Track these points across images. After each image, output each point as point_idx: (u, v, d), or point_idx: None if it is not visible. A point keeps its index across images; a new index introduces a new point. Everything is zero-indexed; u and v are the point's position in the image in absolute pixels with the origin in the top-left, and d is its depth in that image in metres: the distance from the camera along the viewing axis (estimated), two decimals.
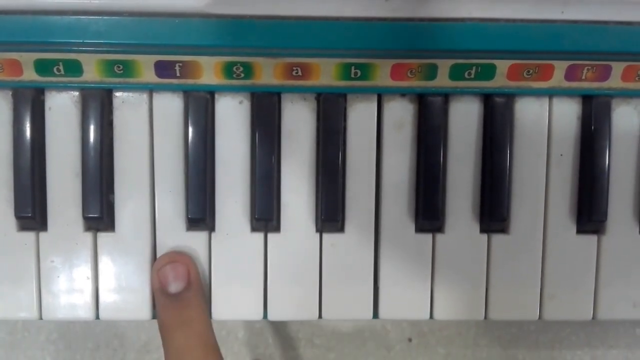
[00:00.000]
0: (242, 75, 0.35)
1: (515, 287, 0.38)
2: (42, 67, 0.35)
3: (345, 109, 0.37)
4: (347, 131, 0.37)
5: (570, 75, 0.36)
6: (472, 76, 0.36)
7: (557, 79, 0.36)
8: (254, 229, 0.37)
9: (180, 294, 0.35)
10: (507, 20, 0.35)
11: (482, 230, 0.38)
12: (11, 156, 0.36)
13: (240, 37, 0.34)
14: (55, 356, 0.46)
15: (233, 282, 0.37)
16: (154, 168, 0.37)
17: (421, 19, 0.34)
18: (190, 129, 0.36)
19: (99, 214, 0.36)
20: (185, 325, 0.34)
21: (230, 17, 0.34)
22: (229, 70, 0.35)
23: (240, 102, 0.37)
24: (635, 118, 0.38)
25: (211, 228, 0.37)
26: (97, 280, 0.37)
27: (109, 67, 0.35)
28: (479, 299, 0.38)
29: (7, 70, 0.35)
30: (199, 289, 0.35)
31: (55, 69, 0.35)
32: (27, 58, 0.35)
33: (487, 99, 0.37)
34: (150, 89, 0.36)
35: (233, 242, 0.37)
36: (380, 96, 0.37)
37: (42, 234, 0.37)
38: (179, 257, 0.36)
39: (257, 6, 0.34)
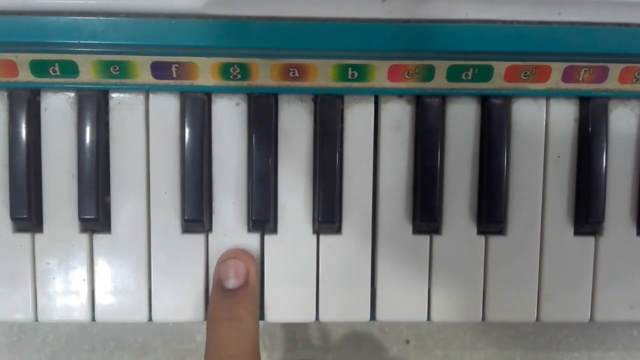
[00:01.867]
0: (239, 76, 0.35)
1: (513, 288, 0.38)
2: (38, 67, 0.35)
3: (342, 110, 0.37)
4: (344, 132, 0.37)
5: (567, 76, 0.36)
6: (470, 77, 0.36)
7: (554, 80, 0.36)
8: (250, 230, 0.37)
9: (235, 291, 0.35)
10: (504, 22, 0.35)
11: (480, 232, 0.38)
12: (7, 157, 0.36)
13: (237, 38, 0.34)
14: (51, 358, 0.46)
15: None
16: (150, 169, 0.37)
17: (418, 20, 0.34)
18: (187, 130, 0.36)
19: (95, 216, 0.36)
20: (233, 321, 0.34)
21: (227, 18, 0.34)
22: (225, 71, 0.35)
23: (237, 104, 0.37)
24: (632, 119, 0.38)
25: (208, 230, 0.37)
26: (93, 282, 0.37)
27: (105, 68, 0.35)
28: (476, 300, 0.38)
29: (3, 71, 0.35)
30: (254, 291, 0.36)
31: (51, 70, 0.35)
32: (23, 59, 0.34)
33: (484, 100, 0.37)
34: (147, 90, 0.36)
35: (230, 244, 0.37)
36: (378, 97, 0.37)
37: (37, 236, 0.37)
38: (242, 255, 0.36)
39: (253, 7, 0.34)
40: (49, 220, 0.37)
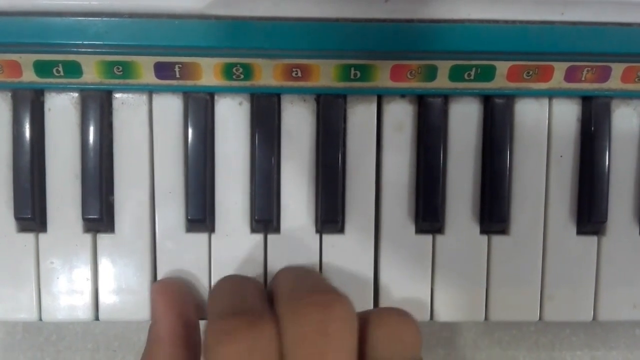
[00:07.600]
0: (242, 76, 0.35)
1: (516, 288, 0.38)
2: (42, 68, 0.35)
3: (345, 110, 0.37)
4: (347, 132, 0.37)
5: (570, 76, 0.36)
6: (472, 77, 0.36)
7: (557, 80, 0.36)
8: (254, 230, 0.37)
9: None
10: (507, 22, 0.35)
11: (482, 232, 0.38)
12: (11, 157, 0.36)
13: (240, 38, 0.34)
14: (55, 357, 0.46)
15: None
16: (154, 169, 0.37)
17: (420, 20, 0.34)
18: (190, 130, 0.36)
19: (99, 215, 0.36)
20: None
21: (230, 19, 0.34)
22: (228, 71, 0.35)
23: (240, 103, 0.37)
24: (635, 119, 0.38)
25: (211, 229, 0.37)
26: (97, 281, 0.37)
27: (109, 68, 0.35)
28: (479, 300, 0.38)
29: (7, 71, 0.35)
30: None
31: (54, 70, 0.35)
32: (27, 59, 0.34)
33: (487, 100, 0.37)
34: (150, 90, 0.36)
35: (233, 244, 0.37)
36: (380, 97, 0.37)
37: (41, 235, 0.37)
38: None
39: (256, 7, 0.34)
40: (53, 220, 0.37)
